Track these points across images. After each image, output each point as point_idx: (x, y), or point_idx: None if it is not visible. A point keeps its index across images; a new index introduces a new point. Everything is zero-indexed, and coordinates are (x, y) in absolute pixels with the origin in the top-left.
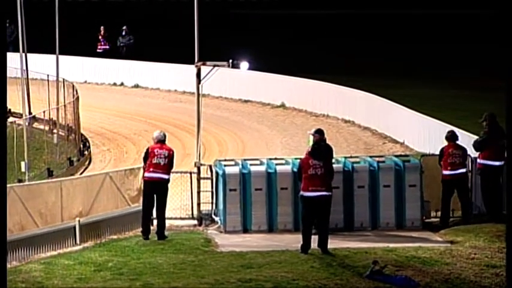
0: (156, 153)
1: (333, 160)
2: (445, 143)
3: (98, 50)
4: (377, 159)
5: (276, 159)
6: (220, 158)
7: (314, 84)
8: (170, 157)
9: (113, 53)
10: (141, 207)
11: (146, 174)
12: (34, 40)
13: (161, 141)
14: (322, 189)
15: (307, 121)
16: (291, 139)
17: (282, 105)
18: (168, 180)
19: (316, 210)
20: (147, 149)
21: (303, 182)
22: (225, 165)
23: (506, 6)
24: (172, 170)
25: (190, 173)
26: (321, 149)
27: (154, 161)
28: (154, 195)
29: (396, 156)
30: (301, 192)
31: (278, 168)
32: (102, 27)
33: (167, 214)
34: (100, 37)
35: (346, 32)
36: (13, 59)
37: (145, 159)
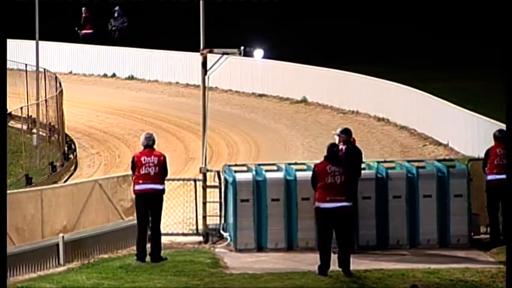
0: (143, 162)
1: (363, 165)
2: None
3: (80, 35)
4: (416, 164)
5: (296, 164)
6: (230, 163)
7: (341, 75)
8: (161, 164)
9: (104, 38)
10: (136, 221)
11: (136, 187)
12: (10, 23)
13: (149, 146)
14: (341, 200)
15: (333, 119)
16: (314, 140)
17: (304, 101)
18: (162, 191)
19: (334, 225)
20: (133, 158)
21: (319, 191)
22: (235, 171)
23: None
24: (174, 176)
25: (195, 181)
26: (339, 152)
27: (143, 172)
28: (148, 210)
29: (439, 160)
30: (317, 204)
31: (298, 175)
32: (83, 9)
33: (167, 229)
34: (82, 20)
35: (379, 14)
36: None
37: (133, 169)
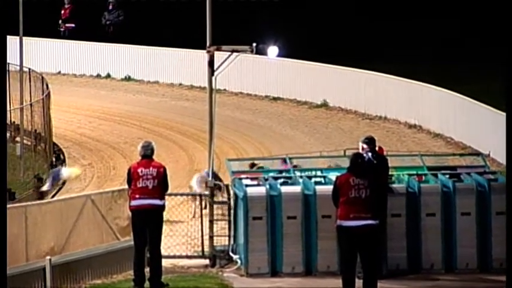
0: (140, 174)
1: (393, 178)
2: None
3: (60, 30)
4: (453, 177)
5: (320, 156)
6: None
7: (366, 76)
8: (161, 176)
9: (96, 33)
10: (132, 242)
11: (132, 203)
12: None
13: (147, 156)
14: (367, 217)
15: (358, 126)
16: (336, 149)
17: (324, 105)
18: (162, 207)
19: (359, 246)
20: (129, 170)
21: (341, 207)
22: (246, 185)
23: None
24: (177, 191)
25: (201, 196)
26: (364, 163)
27: (140, 185)
28: (146, 229)
29: (479, 173)
30: (339, 222)
31: (318, 189)
32: None
33: (169, 251)
34: (62, 11)
35: (406, 7)
36: None
37: (129, 182)
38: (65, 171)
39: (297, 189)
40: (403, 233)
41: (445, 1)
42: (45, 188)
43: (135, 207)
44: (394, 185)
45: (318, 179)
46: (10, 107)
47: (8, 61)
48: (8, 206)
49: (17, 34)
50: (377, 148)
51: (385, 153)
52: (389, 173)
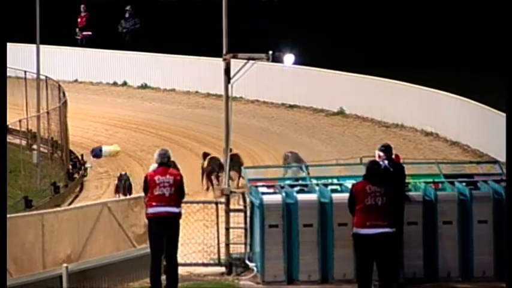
0: (157, 181)
1: (409, 186)
2: None
3: (77, 38)
4: (469, 185)
5: (337, 164)
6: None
7: (383, 83)
8: (177, 184)
9: (113, 41)
10: (149, 250)
11: (149, 210)
12: (5, 24)
13: (163, 164)
14: (383, 225)
15: (374, 133)
16: (352, 157)
17: (341, 112)
18: (178, 215)
19: (375, 254)
20: (146, 177)
21: (357, 215)
22: (262, 193)
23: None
24: (193, 199)
25: (217, 203)
26: (381, 171)
27: (157, 192)
28: (163, 236)
29: (496, 181)
30: (355, 229)
31: (334, 196)
32: (82, 6)
33: (185, 259)
34: (79, 19)
35: (423, 15)
36: None
37: (145, 190)
38: (106, 149)
39: (313, 197)
40: (419, 241)
41: (462, 10)
42: (88, 165)
43: (151, 215)
44: (410, 193)
45: (334, 187)
46: (27, 115)
47: (25, 69)
48: (24, 214)
49: (34, 42)
50: (393, 156)
51: (401, 160)
52: (406, 180)
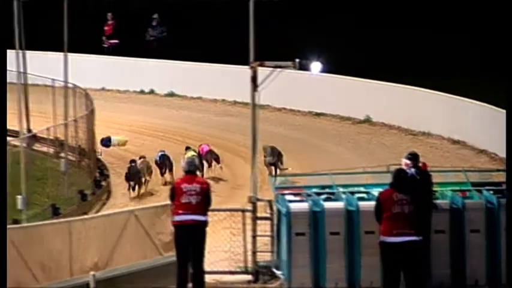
0: (184, 189)
1: (436, 194)
2: None
3: (104, 46)
4: (497, 193)
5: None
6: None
7: (409, 91)
8: (204, 192)
9: (140, 50)
10: (175, 258)
11: (176, 218)
12: (34, 33)
13: (190, 172)
14: (410, 233)
15: (401, 141)
16: (379, 165)
17: (367, 120)
18: (205, 223)
19: (402, 262)
20: (173, 185)
21: (384, 223)
22: (289, 201)
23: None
24: (219, 207)
25: (243, 211)
26: (407, 179)
27: (183, 200)
28: (189, 244)
29: None
30: (382, 238)
31: (361, 204)
32: (109, 14)
33: (212, 267)
34: (106, 28)
35: (451, 20)
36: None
37: (172, 198)
38: (114, 138)
39: (340, 205)
40: (446, 249)
41: (489, 15)
42: (98, 154)
43: (178, 223)
44: (437, 201)
45: (361, 195)
46: (55, 123)
47: (52, 77)
48: (52, 221)
49: (61, 50)
50: (420, 164)
51: (428, 169)
52: (433, 188)
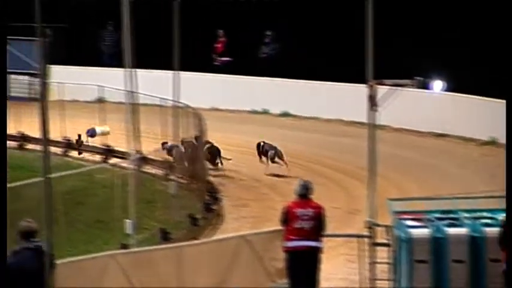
0: (297, 214)
1: None
2: None
3: (215, 64)
4: None
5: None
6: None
7: None
8: (318, 217)
9: (252, 67)
10: (288, 286)
11: (288, 244)
12: (143, 51)
13: (304, 196)
14: None
15: None
16: (503, 189)
17: (492, 142)
18: (319, 249)
19: None
20: (285, 209)
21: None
22: (409, 226)
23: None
24: (330, 232)
25: (360, 237)
26: None
27: (296, 226)
28: (302, 271)
29: None
30: (504, 266)
31: (487, 231)
32: (220, 31)
33: None
34: (218, 45)
35: None
36: (117, 76)
37: (284, 222)
38: (99, 129)
39: (463, 231)
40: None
41: None
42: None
43: (291, 249)
44: None
45: (485, 220)
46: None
47: (162, 96)
48: (162, 246)
49: (171, 68)
50: None
51: None
52: None
